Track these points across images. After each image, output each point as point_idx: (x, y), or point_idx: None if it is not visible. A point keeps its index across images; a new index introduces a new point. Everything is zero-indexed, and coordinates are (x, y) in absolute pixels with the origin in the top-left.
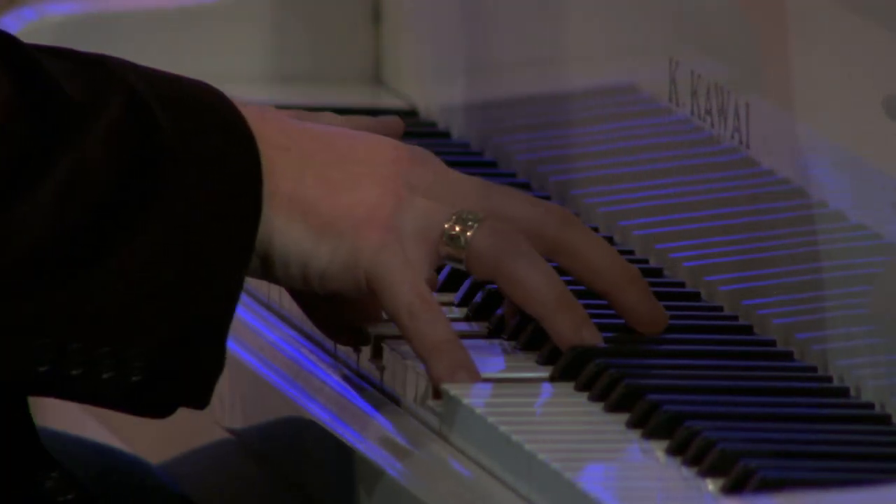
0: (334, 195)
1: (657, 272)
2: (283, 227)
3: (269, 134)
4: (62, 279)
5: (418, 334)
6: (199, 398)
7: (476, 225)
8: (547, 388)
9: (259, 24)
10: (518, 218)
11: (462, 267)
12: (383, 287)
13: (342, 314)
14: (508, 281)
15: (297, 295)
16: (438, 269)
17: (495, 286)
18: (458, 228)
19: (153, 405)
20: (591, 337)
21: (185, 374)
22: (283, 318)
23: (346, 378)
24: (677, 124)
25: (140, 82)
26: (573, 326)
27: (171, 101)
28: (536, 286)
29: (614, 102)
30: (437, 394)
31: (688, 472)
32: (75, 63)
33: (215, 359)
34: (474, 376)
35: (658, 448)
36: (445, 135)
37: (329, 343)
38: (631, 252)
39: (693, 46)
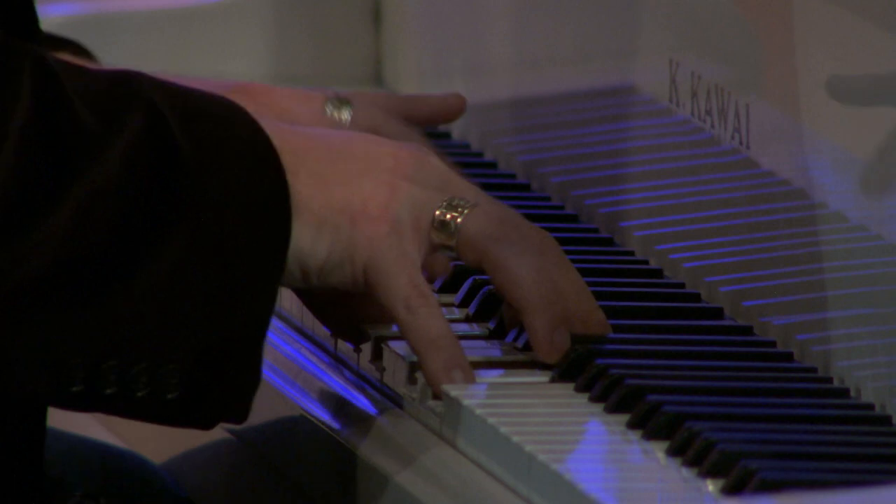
0: (327, 190)
1: (657, 273)
2: None
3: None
4: (87, 299)
5: (415, 328)
6: (237, 413)
7: (467, 210)
8: (547, 389)
9: (260, 24)
10: (507, 215)
11: (453, 254)
12: (380, 280)
13: (346, 313)
14: (495, 266)
15: (301, 292)
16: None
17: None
18: (449, 215)
19: (190, 420)
20: (563, 342)
21: (222, 389)
22: (283, 319)
23: (345, 378)
24: (678, 125)
25: (163, 101)
26: (546, 330)
27: (191, 122)
28: (522, 277)
29: (615, 103)
30: (437, 395)
31: (688, 473)
32: (100, 82)
33: (251, 373)
34: (469, 377)
35: (658, 449)
36: (446, 135)
37: (329, 343)
38: (631, 253)
39: (693, 47)
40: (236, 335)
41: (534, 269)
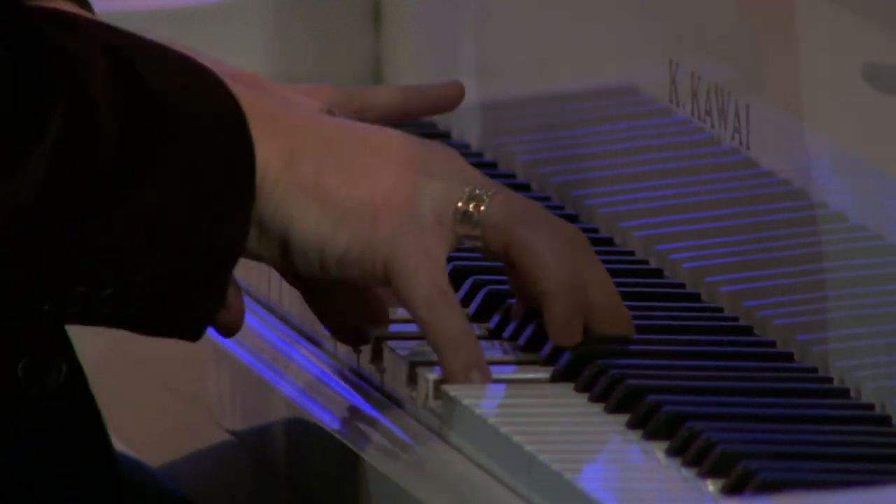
0: (352, 183)
1: (658, 273)
2: (301, 214)
3: (292, 126)
4: (64, 229)
5: (435, 326)
6: (192, 333)
7: (488, 199)
8: (547, 388)
9: (259, 24)
10: (532, 203)
11: (479, 244)
12: (401, 276)
13: (348, 315)
14: (522, 250)
15: (306, 292)
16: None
17: (497, 286)
18: (471, 205)
19: (146, 329)
20: (578, 329)
21: (182, 315)
22: (284, 319)
23: (345, 378)
24: (678, 125)
25: (127, 49)
26: (566, 314)
27: (158, 68)
28: (548, 261)
29: (615, 103)
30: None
31: (688, 473)
32: (65, 22)
33: (217, 298)
34: (486, 376)
35: (658, 449)
36: (446, 135)
37: (329, 344)
38: (631, 253)
39: (693, 48)
40: (203, 271)
41: (560, 255)
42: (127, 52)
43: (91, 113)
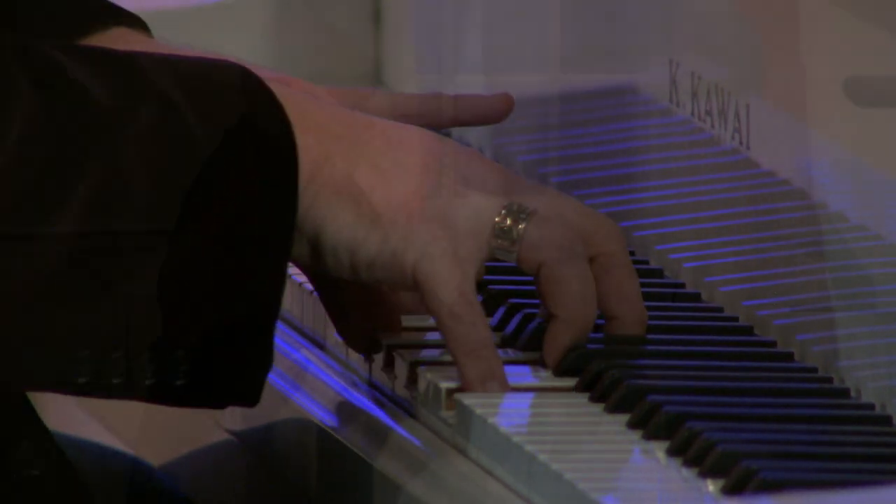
0: (387, 184)
1: (658, 273)
2: (335, 215)
3: (323, 122)
4: (95, 291)
5: (457, 336)
6: (248, 396)
7: (527, 217)
8: (547, 389)
9: (259, 24)
10: (567, 219)
11: (511, 259)
12: (428, 284)
13: (363, 321)
14: (550, 276)
15: (324, 296)
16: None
17: (500, 286)
18: (509, 221)
19: (200, 403)
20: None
21: (231, 374)
22: (284, 320)
23: (344, 379)
24: (678, 125)
25: (171, 83)
26: (566, 344)
27: (202, 101)
28: (572, 294)
29: (615, 103)
30: (452, 404)
31: (688, 473)
32: (103, 65)
33: (261, 356)
34: (504, 387)
35: (659, 449)
36: (445, 136)
37: (328, 343)
38: (631, 253)
39: (694, 48)
40: (245, 320)
41: (584, 291)
42: (176, 94)
43: (125, 171)
